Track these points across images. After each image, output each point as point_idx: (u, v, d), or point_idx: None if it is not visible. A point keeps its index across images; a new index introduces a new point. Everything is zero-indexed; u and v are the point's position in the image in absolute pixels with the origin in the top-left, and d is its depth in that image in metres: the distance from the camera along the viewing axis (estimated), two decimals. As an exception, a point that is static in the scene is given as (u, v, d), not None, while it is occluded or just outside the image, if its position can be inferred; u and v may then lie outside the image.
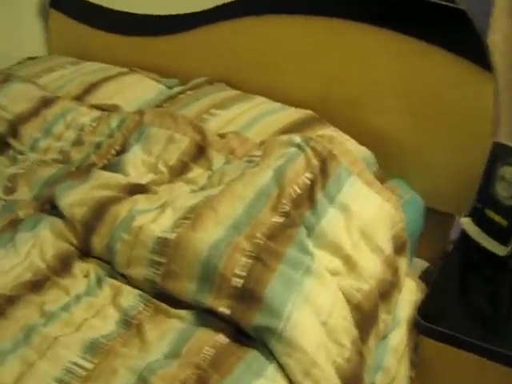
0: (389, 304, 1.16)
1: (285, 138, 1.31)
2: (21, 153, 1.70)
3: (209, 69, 1.90)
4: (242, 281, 1.00)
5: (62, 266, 1.21)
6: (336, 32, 1.59)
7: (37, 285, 1.14)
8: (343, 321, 1.03)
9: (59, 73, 2.05)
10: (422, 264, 1.59)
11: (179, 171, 1.43)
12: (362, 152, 1.50)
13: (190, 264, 1.05)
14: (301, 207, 1.16)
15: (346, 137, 1.52)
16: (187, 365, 0.91)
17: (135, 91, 1.89)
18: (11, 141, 1.74)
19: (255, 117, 1.59)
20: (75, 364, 0.93)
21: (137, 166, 1.46)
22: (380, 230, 1.19)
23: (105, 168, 1.48)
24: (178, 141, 1.47)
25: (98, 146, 1.60)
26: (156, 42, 2.03)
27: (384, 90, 1.56)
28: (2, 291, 1.10)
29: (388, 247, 1.19)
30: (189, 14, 1.89)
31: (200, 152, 1.44)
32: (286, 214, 1.14)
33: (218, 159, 1.41)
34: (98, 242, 1.21)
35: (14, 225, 1.32)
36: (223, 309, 1.00)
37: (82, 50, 2.24)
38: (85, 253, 1.25)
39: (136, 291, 1.12)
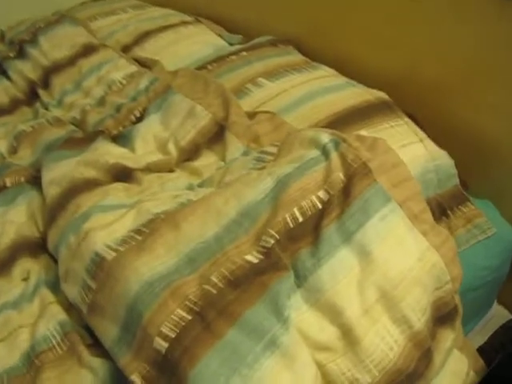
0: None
1: (310, 133, 0.94)
2: (46, 107, 1.48)
3: (281, 26, 1.53)
4: (166, 345, 0.68)
5: (8, 261, 0.99)
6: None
7: None
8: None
9: (117, 17, 1.82)
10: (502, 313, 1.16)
11: (188, 156, 1.12)
12: (439, 159, 1.08)
13: (116, 301, 0.75)
14: (297, 242, 0.80)
15: (421, 135, 1.11)
16: None
17: (190, 45, 1.60)
18: (41, 92, 1.53)
19: (309, 93, 1.22)
20: None
21: (147, 142, 1.18)
22: (412, 293, 0.79)
23: (115, 138, 1.21)
24: (197, 115, 1.15)
25: (118, 108, 1.32)
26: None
27: (483, 75, 1.12)
28: None
29: (421, 319, 0.79)
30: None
31: (219, 134, 1.12)
32: (267, 253, 0.79)
33: (235, 147, 1.08)
34: (52, 237, 0.97)
35: (-6, 194, 1.10)
36: (135, 377, 0.69)
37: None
38: (43, 246, 1.00)
39: (61, 317, 0.85)
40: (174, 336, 0.69)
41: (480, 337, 1.14)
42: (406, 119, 1.15)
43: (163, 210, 0.86)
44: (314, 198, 0.83)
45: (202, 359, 0.66)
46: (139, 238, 0.82)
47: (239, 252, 0.78)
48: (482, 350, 1.02)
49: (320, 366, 0.73)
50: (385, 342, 0.75)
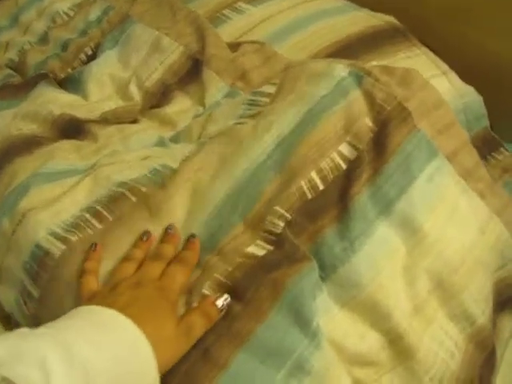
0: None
1: (320, 65, 0.70)
2: (-23, 48, 1.21)
3: None
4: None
5: None
6: None
7: None
8: None
9: None
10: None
11: (157, 101, 0.87)
12: (466, 96, 0.87)
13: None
14: (318, 220, 0.58)
15: (443, 67, 0.89)
16: None
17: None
18: (-32, 29, 1.24)
19: (301, 18, 0.98)
20: None
21: (102, 84, 0.94)
22: (476, 277, 0.58)
23: (62, 82, 0.97)
24: (165, 49, 0.91)
25: (64, 46, 1.06)
26: None
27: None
28: None
29: (486, 309, 0.59)
30: None
31: (194, 71, 0.87)
32: (276, 241, 0.57)
33: (216, 87, 0.84)
34: (-18, 216, 0.71)
35: None
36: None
37: None
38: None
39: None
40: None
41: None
42: (424, 48, 0.93)
43: (131, 179, 0.63)
44: (335, 155, 0.61)
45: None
46: (100, 226, 0.59)
47: (238, 245, 0.56)
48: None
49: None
50: (444, 347, 0.55)
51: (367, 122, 0.63)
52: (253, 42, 0.91)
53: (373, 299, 0.54)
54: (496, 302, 0.63)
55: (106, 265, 0.56)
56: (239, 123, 0.69)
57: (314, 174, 0.60)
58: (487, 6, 0.95)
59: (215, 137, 0.66)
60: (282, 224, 0.57)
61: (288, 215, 0.58)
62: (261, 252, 0.57)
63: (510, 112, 1.02)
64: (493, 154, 0.89)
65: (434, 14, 1.03)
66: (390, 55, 0.90)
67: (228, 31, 0.98)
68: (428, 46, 0.98)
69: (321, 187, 0.59)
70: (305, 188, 0.60)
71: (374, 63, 0.85)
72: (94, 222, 0.60)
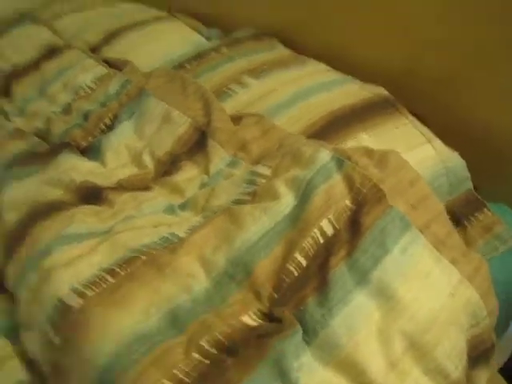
0: None
1: (309, 150, 0.80)
2: (7, 117, 1.33)
3: (262, 16, 1.40)
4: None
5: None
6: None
7: None
8: None
9: (84, 14, 1.65)
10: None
11: (167, 169, 0.97)
12: (450, 160, 0.96)
13: (85, 365, 0.61)
14: (300, 291, 0.67)
15: (428, 135, 0.98)
16: None
17: (165, 43, 1.46)
18: (1, 101, 1.37)
19: (299, 91, 1.09)
20: None
21: (119, 153, 1.05)
22: (447, 336, 0.65)
23: (84, 150, 1.07)
24: (175, 121, 1.02)
25: (86, 116, 1.18)
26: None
27: (488, 67, 1.00)
28: None
29: (459, 365, 0.66)
30: None
31: (200, 142, 0.98)
32: (268, 313, 0.67)
33: (220, 157, 0.94)
34: (11, 274, 0.82)
35: None
36: None
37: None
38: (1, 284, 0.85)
39: (21, 377, 0.71)
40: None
41: (501, 357, 1.02)
42: (411, 118, 1.03)
43: (144, 245, 0.73)
44: (316, 231, 0.70)
45: None
46: (112, 280, 0.68)
47: (234, 312, 0.65)
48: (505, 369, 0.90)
49: None
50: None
51: (347, 202, 0.72)
52: (253, 115, 1.01)
53: (351, 358, 0.62)
54: (470, 356, 0.70)
55: (118, 316, 0.64)
56: (239, 200, 0.79)
57: (297, 255, 0.69)
58: (475, 76, 1.04)
59: (219, 213, 0.76)
60: (272, 299, 0.66)
61: (275, 295, 0.67)
62: (254, 323, 0.65)
63: (496, 174, 1.10)
64: (476, 214, 0.97)
65: (425, 83, 1.12)
66: (380, 126, 0.99)
67: (232, 105, 1.08)
68: (417, 113, 1.07)
69: (304, 264, 0.68)
70: (291, 268, 0.69)
71: (364, 134, 0.95)
72: (109, 278, 0.68)
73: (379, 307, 0.65)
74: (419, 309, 0.65)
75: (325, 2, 1.24)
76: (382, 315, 0.64)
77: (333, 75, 1.15)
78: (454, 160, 0.98)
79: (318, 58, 1.24)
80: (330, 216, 0.71)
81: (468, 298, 0.68)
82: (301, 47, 1.31)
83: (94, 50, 1.48)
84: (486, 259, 0.86)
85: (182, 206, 0.87)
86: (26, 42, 1.50)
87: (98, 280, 0.69)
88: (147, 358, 0.60)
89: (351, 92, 1.07)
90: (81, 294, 0.67)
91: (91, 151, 1.07)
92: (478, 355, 0.70)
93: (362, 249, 0.67)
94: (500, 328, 1.02)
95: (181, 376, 0.59)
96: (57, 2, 1.78)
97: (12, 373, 0.70)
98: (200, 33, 1.49)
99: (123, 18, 1.59)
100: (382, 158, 0.77)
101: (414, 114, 1.06)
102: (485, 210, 0.99)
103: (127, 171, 1.00)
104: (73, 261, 0.73)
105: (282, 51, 1.29)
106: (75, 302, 0.66)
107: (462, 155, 1.00)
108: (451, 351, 0.65)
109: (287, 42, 1.35)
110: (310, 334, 0.63)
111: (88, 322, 0.64)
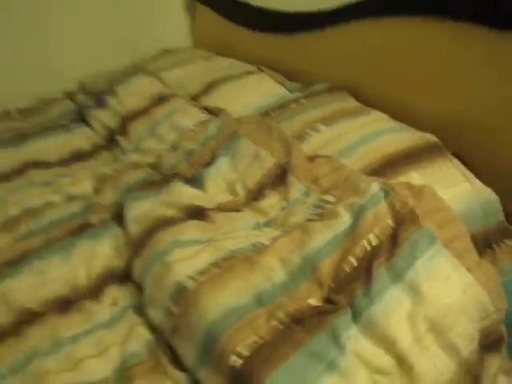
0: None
1: (363, 183, 1.05)
2: (124, 152, 1.65)
3: (335, 73, 1.68)
4: (241, 361, 0.80)
5: (98, 288, 1.14)
6: (464, 39, 1.25)
7: (65, 304, 1.10)
8: None
9: (187, 68, 2.00)
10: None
11: (255, 196, 1.24)
12: (484, 196, 1.17)
13: (195, 325, 0.88)
14: (351, 284, 0.92)
15: (468, 175, 1.20)
16: None
17: (254, 94, 1.74)
18: (119, 138, 1.70)
19: (362, 137, 1.33)
20: None
21: (217, 183, 1.32)
22: (460, 323, 0.87)
23: (189, 180, 1.36)
24: (263, 159, 1.29)
25: (190, 153, 1.47)
26: (289, 40, 1.87)
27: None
28: (32, 305, 1.09)
29: (468, 346, 0.87)
30: (322, 11, 1.68)
31: (282, 176, 1.24)
32: (327, 298, 0.92)
33: (296, 188, 1.19)
34: (137, 268, 1.11)
35: (82, 230, 1.29)
36: (214, 389, 0.81)
37: (221, 43, 2.17)
38: (127, 275, 1.15)
39: (148, 337, 0.99)
40: (247, 355, 0.80)
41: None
42: (455, 161, 1.24)
43: (238, 248, 0.99)
44: (364, 242, 0.94)
45: (271, 374, 0.77)
46: (217, 271, 0.94)
47: (302, 296, 0.91)
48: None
49: (379, 387, 0.83)
50: (436, 368, 0.84)
51: (389, 221, 0.96)
52: (324, 156, 1.27)
53: (385, 333, 0.85)
54: (483, 344, 0.91)
55: (219, 295, 0.90)
56: (310, 219, 1.04)
57: (350, 258, 0.94)
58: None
59: (295, 228, 1.03)
60: (331, 288, 0.91)
61: (333, 285, 0.92)
62: (317, 303, 0.90)
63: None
64: (505, 240, 1.18)
65: (472, 131, 1.32)
66: (427, 167, 1.22)
67: (308, 146, 1.34)
68: (463, 157, 1.29)
69: (355, 264, 0.93)
70: (345, 267, 0.94)
71: (414, 173, 1.19)
72: (214, 269, 0.95)
73: (409, 299, 0.87)
74: (439, 301, 0.87)
75: (387, 64, 1.49)
76: (411, 305, 0.87)
77: (391, 124, 1.38)
78: (488, 195, 1.18)
79: (381, 109, 1.48)
80: (376, 231, 0.95)
81: (478, 296, 0.89)
82: (367, 100, 1.55)
83: (195, 98, 1.79)
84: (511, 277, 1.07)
85: (266, 224, 1.13)
86: (140, 90, 1.82)
87: (206, 270, 0.95)
88: (239, 322, 0.85)
89: (405, 138, 1.31)
90: (194, 279, 0.94)
91: (194, 181, 1.35)
92: (489, 344, 0.91)
93: (398, 256, 0.91)
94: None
95: (262, 334, 0.84)
96: (162, 56, 2.13)
97: (141, 335, 0.99)
98: (283, 85, 1.76)
99: (219, 71, 1.89)
100: (418, 191, 1.01)
101: (458, 155, 1.27)
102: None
103: (224, 197, 1.27)
104: (187, 258, 1.00)
105: (350, 103, 1.54)
106: (190, 284, 0.93)
107: (498, 189, 1.20)
108: (462, 334, 0.86)
109: (356, 95, 1.59)
110: (356, 315, 0.87)
111: (198, 298, 0.90)
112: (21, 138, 1.80)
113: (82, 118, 1.92)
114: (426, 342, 0.84)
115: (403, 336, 0.84)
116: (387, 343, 0.84)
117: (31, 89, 2.08)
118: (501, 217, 1.19)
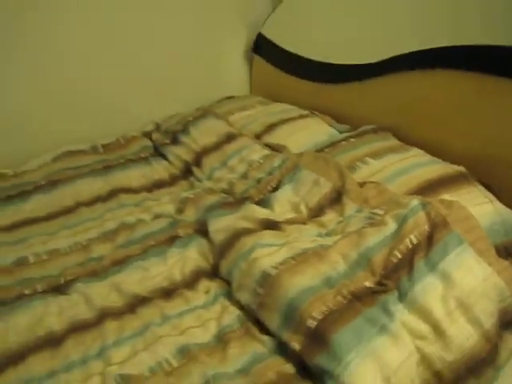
0: (479, 380, 1.11)
1: (406, 199, 1.34)
2: (199, 180, 1.96)
3: (378, 117, 1.98)
4: (315, 323, 1.08)
5: (192, 281, 1.42)
6: (490, 88, 1.54)
7: (167, 293, 1.38)
8: (410, 381, 1.04)
9: (248, 112, 2.31)
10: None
11: (315, 213, 1.53)
12: (505, 214, 1.44)
13: (279, 300, 1.16)
14: (397, 272, 1.19)
15: (491, 197, 1.48)
16: (249, 383, 1.04)
17: (308, 134, 2.04)
18: (194, 169, 2.01)
19: (403, 168, 1.62)
20: (166, 361, 1.14)
21: (282, 204, 1.61)
22: (481, 302, 1.13)
23: (258, 202, 1.65)
24: (321, 185, 1.58)
25: (258, 181, 1.77)
26: (336, 89, 2.18)
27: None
28: (142, 293, 1.37)
29: (489, 321, 1.13)
30: (367, 64, 2.00)
31: (337, 198, 1.53)
32: (379, 282, 1.20)
33: (350, 207, 1.48)
34: (224, 266, 1.39)
35: (172, 240, 1.58)
36: (295, 343, 1.09)
37: (275, 91, 2.49)
38: (215, 273, 1.44)
39: (238, 312, 1.27)
40: (320, 318, 1.08)
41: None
42: (480, 187, 1.52)
43: (308, 248, 1.29)
44: (407, 241, 1.23)
45: (339, 331, 1.05)
46: (293, 262, 1.24)
47: (360, 280, 1.19)
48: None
49: (419, 348, 1.09)
50: (463, 335, 1.10)
51: (425, 227, 1.24)
52: (372, 182, 1.56)
53: (424, 308, 1.12)
54: (502, 322, 1.17)
55: (296, 279, 1.19)
56: (363, 227, 1.33)
57: (396, 252, 1.22)
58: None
59: (351, 233, 1.31)
60: (381, 275, 1.19)
61: (383, 272, 1.20)
62: (370, 285, 1.18)
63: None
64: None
65: (498, 162, 1.60)
66: (456, 191, 1.49)
67: (358, 175, 1.63)
68: (488, 184, 1.56)
69: (400, 257, 1.21)
70: (393, 259, 1.22)
71: (446, 196, 1.47)
72: (291, 261, 1.24)
73: (442, 284, 1.14)
74: (465, 285, 1.14)
75: (423, 109, 1.79)
76: (443, 288, 1.14)
77: (427, 158, 1.67)
78: (509, 215, 1.46)
79: (419, 146, 1.77)
80: (416, 233, 1.23)
81: (496, 283, 1.16)
82: (407, 139, 1.85)
83: (257, 137, 2.10)
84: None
85: (327, 233, 1.42)
86: (211, 130, 2.13)
87: (284, 262, 1.24)
88: (313, 297, 1.13)
89: (438, 169, 1.59)
90: (276, 268, 1.22)
91: (263, 203, 1.64)
92: (506, 322, 1.17)
93: (433, 252, 1.18)
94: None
95: (331, 305, 1.12)
96: (226, 101, 2.47)
97: (232, 312, 1.28)
98: (333, 127, 2.07)
99: (276, 114, 2.21)
100: (449, 204, 1.29)
101: (485, 185, 1.55)
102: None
103: (289, 215, 1.57)
104: (268, 255, 1.29)
105: (393, 141, 1.82)
106: (273, 271, 1.22)
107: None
108: (484, 311, 1.12)
109: (397, 136, 1.89)
110: (401, 295, 1.14)
111: (280, 281, 1.19)
112: (107, 168, 2.11)
113: (158, 153, 2.23)
114: (455, 315, 1.11)
115: (438, 310, 1.11)
116: (425, 315, 1.11)
117: (113, 129, 2.41)
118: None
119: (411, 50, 1.78)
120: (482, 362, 1.11)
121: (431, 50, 1.70)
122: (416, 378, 1.05)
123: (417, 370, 1.06)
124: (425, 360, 1.07)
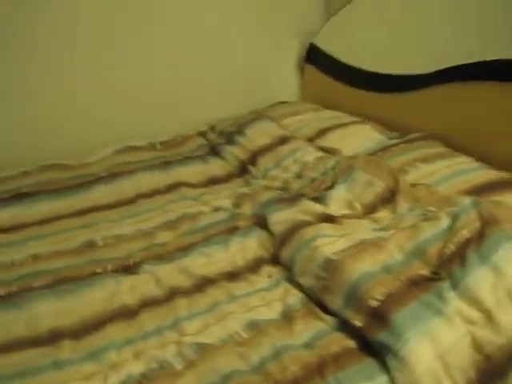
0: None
1: (458, 198, 1.45)
2: (254, 178, 2.09)
3: (427, 125, 2.08)
4: (377, 303, 1.19)
5: (255, 267, 1.54)
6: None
7: (232, 276, 1.51)
8: (461, 360, 1.13)
9: (301, 117, 2.43)
10: None
11: (369, 210, 1.64)
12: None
13: (342, 283, 1.27)
14: (450, 263, 1.28)
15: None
16: (314, 355, 1.15)
17: (359, 139, 2.15)
18: (250, 167, 2.14)
19: (452, 173, 1.72)
20: (237, 333, 1.26)
21: (337, 202, 1.72)
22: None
23: (313, 199, 1.76)
24: (375, 185, 1.69)
25: (312, 180, 1.89)
26: (386, 98, 2.29)
27: None
28: (208, 275, 1.50)
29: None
30: (417, 75, 2.10)
31: (390, 197, 1.64)
32: (434, 271, 1.29)
33: (402, 206, 1.59)
34: (285, 254, 1.51)
35: (233, 231, 1.70)
36: (357, 322, 1.20)
37: (326, 99, 2.61)
38: (275, 260, 1.56)
39: (301, 295, 1.39)
40: (381, 299, 1.19)
41: None
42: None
43: (367, 239, 1.40)
44: (460, 235, 1.32)
45: (399, 311, 1.15)
46: (354, 250, 1.35)
47: (415, 269, 1.29)
48: None
49: (470, 332, 1.18)
50: (510, 321, 1.20)
51: (477, 223, 1.34)
52: (422, 184, 1.67)
53: (475, 296, 1.21)
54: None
55: (357, 264, 1.30)
56: (418, 221, 1.44)
57: (450, 245, 1.32)
58: None
59: (407, 227, 1.42)
60: (435, 266, 1.29)
61: (437, 263, 1.31)
62: (425, 274, 1.29)
63: None
64: None
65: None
66: (503, 194, 1.58)
67: (408, 178, 1.74)
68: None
69: (453, 249, 1.31)
70: (446, 251, 1.32)
71: (494, 197, 1.57)
72: (352, 249, 1.35)
73: (492, 275, 1.23)
74: (512, 277, 1.25)
75: (470, 118, 1.89)
76: (493, 279, 1.23)
77: (475, 164, 1.77)
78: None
79: (466, 153, 1.87)
80: (468, 229, 1.32)
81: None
82: (455, 147, 1.95)
83: (310, 140, 2.22)
84: None
85: (382, 228, 1.53)
86: (265, 132, 2.26)
87: (345, 250, 1.35)
88: (373, 281, 1.23)
89: (486, 175, 1.69)
90: (338, 254, 1.33)
91: (318, 201, 1.75)
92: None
93: (484, 246, 1.27)
94: None
95: (390, 288, 1.21)
96: (279, 106, 2.60)
97: (295, 293, 1.39)
98: (383, 134, 2.18)
99: (328, 120, 2.33)
100: (498, 204, 1.40)
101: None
102: None
103: (344, 211, 1.68)
104: (329, 243, 1.40)
105: (442, 149, 1.92)
106: (335, 257, 1.33)
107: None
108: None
109: (446, 144, 1.99)
110: (454, 284, 1.24)
111: (343, 266, 1.30)
112: (165, 164, 2.25)
113: (213, 152, 2.37)
114: (505, 303, 1.21)
115: (488, 299, 1.21)
116: (477, 303, 1.21)
117: (169, 128, 2.56)
118: None
119: (463, 63, 1.89)
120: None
121: (483, 62, 1.81)
122: (467, 358, 1.14)
123: (468, 351, 1.15)
124: (476, 343, 1.17)
